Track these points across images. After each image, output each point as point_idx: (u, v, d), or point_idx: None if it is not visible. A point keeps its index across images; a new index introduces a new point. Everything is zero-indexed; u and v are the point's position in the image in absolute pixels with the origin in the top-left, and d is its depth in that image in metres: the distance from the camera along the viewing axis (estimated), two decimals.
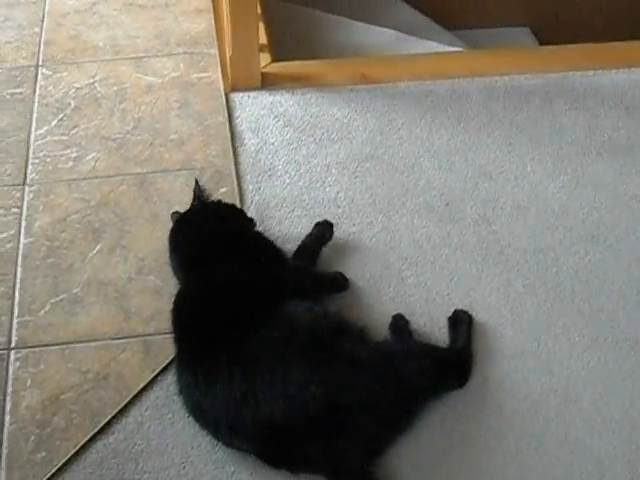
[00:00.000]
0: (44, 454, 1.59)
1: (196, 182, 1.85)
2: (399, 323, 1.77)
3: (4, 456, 1.58)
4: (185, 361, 1.63)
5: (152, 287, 1.84)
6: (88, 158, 2.09)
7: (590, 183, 2.06)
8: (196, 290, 1.71)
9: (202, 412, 1.58)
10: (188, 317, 1.67)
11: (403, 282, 1.85)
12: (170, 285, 1.84)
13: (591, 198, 2.03)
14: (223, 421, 1.54)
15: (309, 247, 1.88)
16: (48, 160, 2.09)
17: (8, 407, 1.65)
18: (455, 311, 1.79)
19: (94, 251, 1.91)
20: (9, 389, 1.68)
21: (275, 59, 2.34)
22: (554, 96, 2.26)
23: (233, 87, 2.25)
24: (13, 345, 1.74)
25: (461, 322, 1.77)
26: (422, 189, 2.04)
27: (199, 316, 1.65)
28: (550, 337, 1.77)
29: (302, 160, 2.10)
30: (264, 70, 2.28)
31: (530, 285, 1.85)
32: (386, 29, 2.76)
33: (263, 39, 2.36)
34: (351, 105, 2.23)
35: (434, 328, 1.77)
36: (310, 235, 1.89)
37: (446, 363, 1.68)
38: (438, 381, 1.65)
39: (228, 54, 2.27)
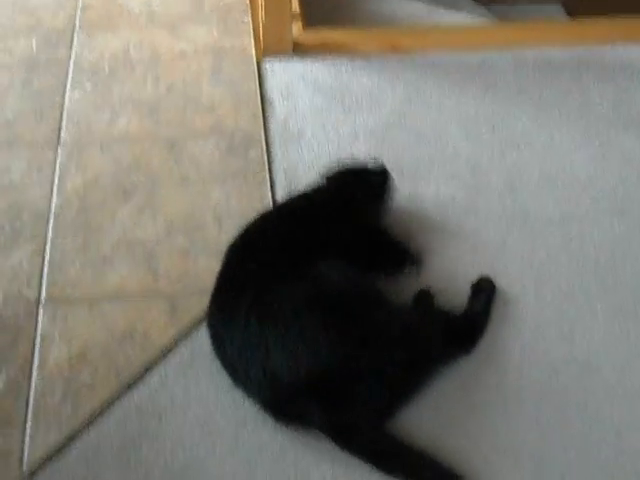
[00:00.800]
0: (69, 408, 1.54)
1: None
2: (423, 295, 1.70)
3: (30, 409, 1.54)
4: (217, 292, 1.60)
5: (180, 248, 1.78)
6: (120, 121, 2.03)
7: (617, 156, 1.96)
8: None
9: (223, 351, 1.54)
10: (234, 252, 1.64)
11: (427, 249, 1.78)
12: (198, 247, 1.79)
13: (618, 171, 1.93)
14: (238, 364, 1.50)
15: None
16: (81, 122, 2.03)
17: (36, 362, 1.61)
18: (480, 278, 1.71)
19: (124, 211, 1.85)
20: (37, 344, 1.63)
21: (307, 27, 2.26)
22: (584, 70, 2.16)
23: (265, 54, 2.18)
24: (42, 301, 1.69)
25: (483, 290, 1.69)
26: (449, 157, 1.96)
27: (243, 253, 1.63)
28: (572, 307, 1.69)
29: (330, 126, 2.02)
30: (296, 38, 2.20)
31: (554, 255, 1.77)
32: (418, 0, 2.67)
33: (296, 7, 2.28)
34: (381, 74, 2.15)
35: (456, 296, 1.69)
36: None
37: (458, 328, 1.61)
38: (448, 345, 1.58)
39: (261, 21, 2.19)
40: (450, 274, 1.73)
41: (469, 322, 1.64)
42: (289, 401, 1.47)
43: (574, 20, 2.51)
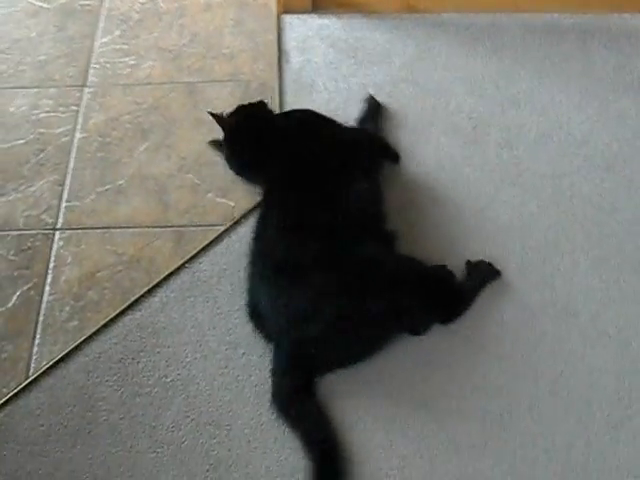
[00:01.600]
0: (76, 323, 1.59)
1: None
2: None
3: (40, 322, 1.59)
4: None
5: (190, 184, 1.81)
6: (144, 66, 2.05)
7: (614, 117, 1.92)
8: None
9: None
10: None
11: (424, 196, 1.79)
12: (207, 183, 1.81)
13: (613, 131, 1.90)
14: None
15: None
16: (108, 66, 2.05)
17: (49, 280, 1.66)
18: (481, 262, 1.66)
19: (141, 148, 1.88)
20: (51, 264, 1.68)
21: None
22: (589, 35, 2.11)
23: (285, 9, 2.17)
24: (59, 226, 1.74)
25: (481, 273, 1.65)
26: (451, 111, 1.94)
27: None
28: (556, 256, 1.68)
29: (341, 79, 2.01)
30: None
31: (543, 207, 1.76)
32: None
33: None
34: (394, 31, 2.13)
35: (446, 239, 1.70)
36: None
37: (444, 298, 1.58)
38: (430, 312, 1.56)
39: None
40: (441, 218, 1.74)
41: (456, 296, 1.61)
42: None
43: None
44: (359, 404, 1.49)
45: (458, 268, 1.63)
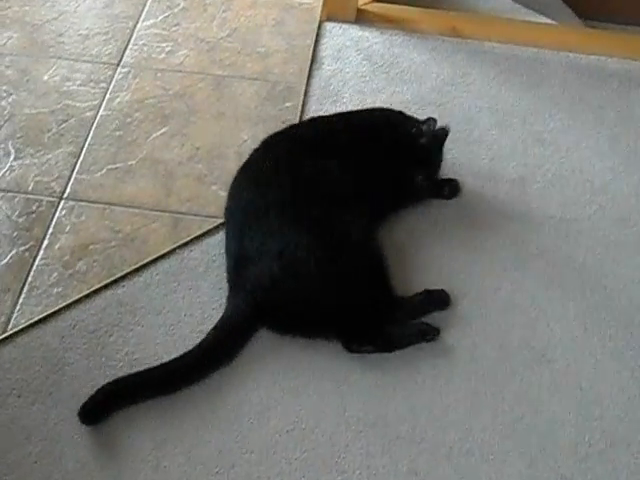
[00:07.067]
0: (60, 289, 1.73)
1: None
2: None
3: (28, 283, 1.73)
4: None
5: (197, 174, 1.94)
6: (179, 54, 2.20)
7: (638, 170, 1.99)
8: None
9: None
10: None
11: (422, 222, 1.88)
12: (214, 175, 1.94)
13: (634, 184, 1.96)
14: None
15: None
16: (145, 49, 2.21)
17: (44, 244, 1.80)
18: (440, 292, 1.72)
19: (158, 133, 2.02)
20: (50, 230, 1.82)
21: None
22: (634, 84, 2.18)
23: (329, 17, 2.29)
24: (65, 196, 1.89)
25: (434, 303, 1.71)
26: (471, 141, 2.03)
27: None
28: (545, 298, 1.75)
29: (369, 92, 2.12)
30: (361, 7, 2.31)
31: (543, 248, 1.83)
32: None
33: None
34: (432, 53, 2.23)
35: (434, 266, 1.79)
36: None
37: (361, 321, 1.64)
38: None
39: None
40: (438, 251, 1.82)
41: (375, 329, 1.65)
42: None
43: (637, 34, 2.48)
44: None
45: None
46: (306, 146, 1.78)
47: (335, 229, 1.65)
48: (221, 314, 1.67)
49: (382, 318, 1.64)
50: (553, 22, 2.52)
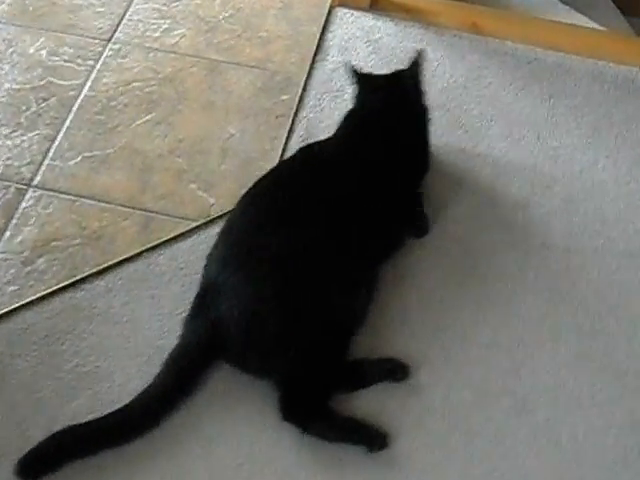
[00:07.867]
0: (16, 288, 1.64)
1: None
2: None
3: None
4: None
5: (177, 169, 1.83)
6: (175, 33, 2.07)
7: None
8: None
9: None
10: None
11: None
12: (194, 172, 1.82)
13: None
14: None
15: None
16: (140, 25, 2.08)
17: (5, 237, 1.71)
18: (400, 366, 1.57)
19: (141, 120, 1.90)
20: (13, 221, 1.73)
21: None
22: None
23: (341, 1, 2.14)
24: (34, 183, 1.79)
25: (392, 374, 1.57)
26: (478, 153, 1.87)
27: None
28: (536, 341, 1.61)
29: None
30: None
31: (539, 277, 1.69)
32: None
33: None
34: (448, 50, 2.07)
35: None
36: None
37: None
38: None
39: None
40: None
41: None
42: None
43: None
44: None
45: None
46: (294, 198, 1.61)
47: (316, 290, 1.51)
48: (181, 329, 1.57)
49: (325, 398, 1.51)
50: (591, 22, 2.33)
